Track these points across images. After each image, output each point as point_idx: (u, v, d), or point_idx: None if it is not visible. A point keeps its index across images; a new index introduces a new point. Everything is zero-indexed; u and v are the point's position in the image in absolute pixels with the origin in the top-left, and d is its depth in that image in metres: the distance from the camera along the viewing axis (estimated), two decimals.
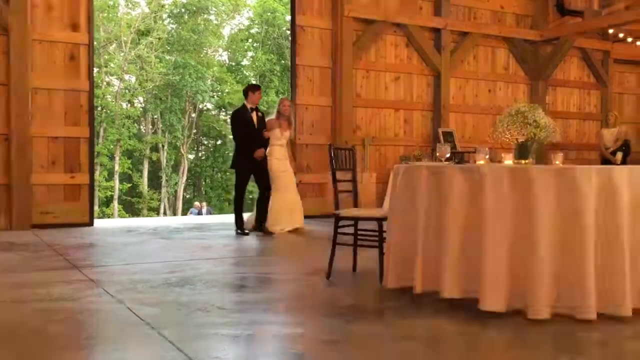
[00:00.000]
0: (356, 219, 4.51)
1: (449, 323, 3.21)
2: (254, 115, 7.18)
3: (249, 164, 7.08)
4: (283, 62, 28.35)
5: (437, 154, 4.23)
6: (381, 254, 4.14)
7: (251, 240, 6.61)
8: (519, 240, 3.24)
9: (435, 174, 3.57)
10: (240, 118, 7.22)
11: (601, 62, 11.98)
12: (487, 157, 3.94)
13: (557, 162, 3.83)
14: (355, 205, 4.82)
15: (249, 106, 7.20)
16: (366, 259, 4.69)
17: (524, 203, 3.25)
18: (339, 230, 4.46)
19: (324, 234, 6.68)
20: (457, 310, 3.35)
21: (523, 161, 3.86)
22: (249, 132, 7.09)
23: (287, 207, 7.17)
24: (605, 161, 9.57)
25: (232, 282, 4.23)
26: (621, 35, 11.50)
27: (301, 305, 3.72)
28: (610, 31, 11.34)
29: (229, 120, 31.42)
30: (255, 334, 2.94)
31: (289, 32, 9.63)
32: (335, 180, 4.59)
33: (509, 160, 3.92)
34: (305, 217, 8.14)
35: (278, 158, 7.18)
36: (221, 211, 27.34)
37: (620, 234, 3.17)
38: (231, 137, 7.27)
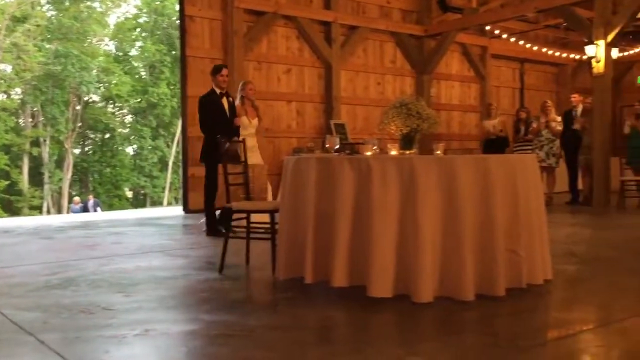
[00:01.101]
0: (248, 212, 4.49)
1: (338, 311, 3.29)
2: (224, 101, 6.40)
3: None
4: (174, 52, 27.60)
5: (327, 146, 4.31)
6: (274, 245, 4.16)
7: (143, 237, 6.40)
8: (405, 227, 3.37)
9: (324, 165, 3.63)
10: (207, 103, 6.36)
11: (480, 56, 12.72)
12: (375, 148, 4.05)
13: (438, 152, 4.03)
14: (248, 198, 4.81)
15: (218, 91, 6.40)
16: (260, 252, 4.69)
17: (408, 192, 3.38)
18: (231, 223, 4.44)
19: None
20: (347, 299, 3.43)
21: (407, 151, 4.02)
22: (219, 119, 6.30)
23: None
24: (487, 150, 10.18)
25: (120, 281, 4.07)
26: (497, 31, 12.28)
27: (192, 301, 3.66)
28: (488, 28, 12.07)
29: (117, 112, 30.20)
30: (143, 334, 2.85)
31: (179, 22, 9.37)
32: (226, 173, 4.54)
33: (394, 151, 4.06)
34: (198, 211, 7.99)
35: (247, 149, 6.46)
36: (111, 208, 26.22)
37: (494, 219, 3.38)
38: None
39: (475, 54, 12.61)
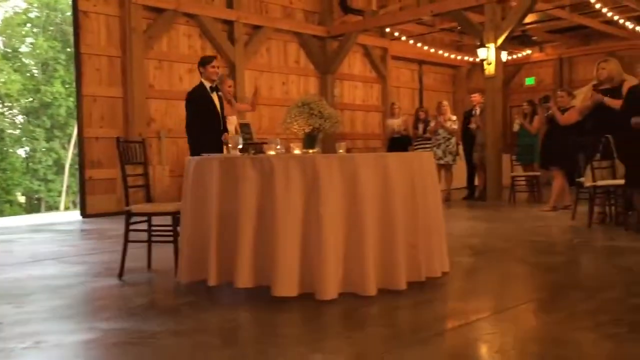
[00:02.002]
0: (149, 215, 4.36)
1: (243, 312, 3.26)
2: (214, 97, 5.90)
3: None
4: (69, 49, 26.21)
5: (230, 146, 4.26)
6: (176, 249, 4.06)
7: (37, 244, 6.03)
8: (308, 226, 3.39)
9: (227, 165, 3.58)
10: (196, 98, 5.82)
11: (381, 58, 13.06)
12: (279, 147, 4.04)
13: (340, 151, 4.09)
14: (148, 200, 4.66)
15: (207, 85, 5.89)
16: (162, 256, 4.55)
17: (311, 191, 3.40)
18: (132, 227, 4.29)
19: (117, 232, 6.34)
20: (252, 299, 3.41)
21: (310, 150, 4.05)
22: (209, 116, 5.81)
23: None
24: (391, 149, 10.46)
25: (9, 291, 3.81)
26: (397, 34, 12.67)
27: (89, 309, 3.49)
28: (387, 30, 12.43)
29: (6, 113, 28.30)
30: (33, 347, 2.68)
31: (72, 17, 8.92)
32: (124, 175, 4.38)
33: (297, 150, 4.07)
34: (97, 215, 7.65)
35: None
36: (1, 214, 24.54)
37: (394, 216, 3.47)
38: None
39: (377, 55, 12.94)
